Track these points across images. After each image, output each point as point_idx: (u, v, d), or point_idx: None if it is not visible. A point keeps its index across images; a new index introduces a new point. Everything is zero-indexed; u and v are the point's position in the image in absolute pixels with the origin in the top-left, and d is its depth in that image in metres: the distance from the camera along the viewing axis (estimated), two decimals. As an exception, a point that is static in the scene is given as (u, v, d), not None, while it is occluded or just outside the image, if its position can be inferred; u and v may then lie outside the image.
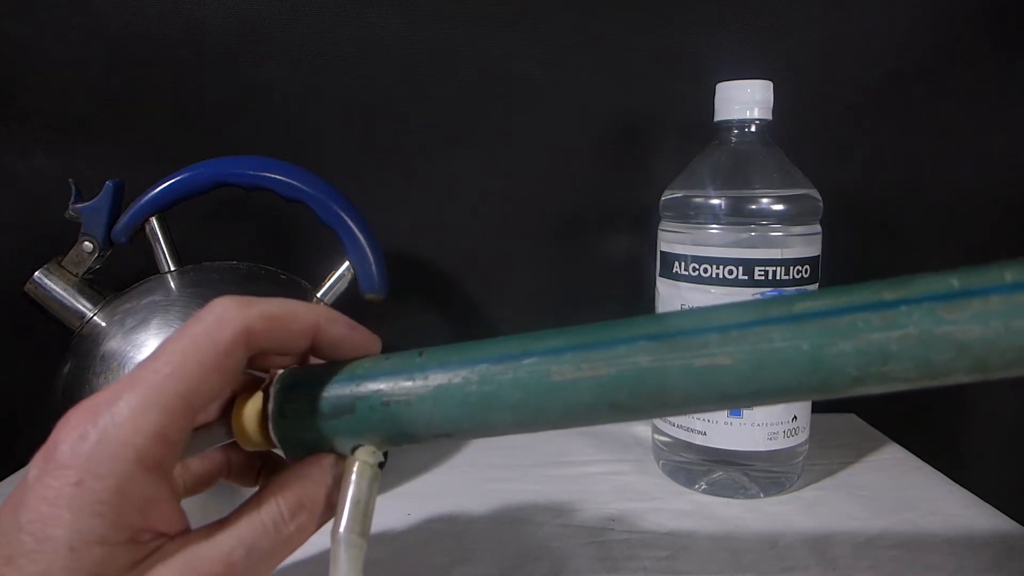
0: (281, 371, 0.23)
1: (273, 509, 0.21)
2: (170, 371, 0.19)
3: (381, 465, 0.22)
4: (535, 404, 0.20)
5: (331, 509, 0.22)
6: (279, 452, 0.23)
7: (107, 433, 0.18)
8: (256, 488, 0.23)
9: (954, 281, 0.17)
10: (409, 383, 0.21)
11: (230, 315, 0.20)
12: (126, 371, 0.34)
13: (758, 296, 0.36)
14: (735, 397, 0.19)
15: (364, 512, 0.21)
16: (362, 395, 0.21)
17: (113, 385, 0.19)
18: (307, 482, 0.22)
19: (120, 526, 0.18)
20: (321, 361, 0.24)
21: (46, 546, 0.17)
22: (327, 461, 0.22)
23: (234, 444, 0.23)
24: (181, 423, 0.19)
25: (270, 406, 0.22)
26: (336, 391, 0.22)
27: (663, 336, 0.19)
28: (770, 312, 0.19)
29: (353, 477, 0.21)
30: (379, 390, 0.21)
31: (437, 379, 0.21)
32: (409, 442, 0.22)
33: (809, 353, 0.18)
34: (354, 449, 0.22)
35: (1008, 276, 0.16)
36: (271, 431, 0.22)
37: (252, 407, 0.22)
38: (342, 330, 0.23)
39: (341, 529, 0.21)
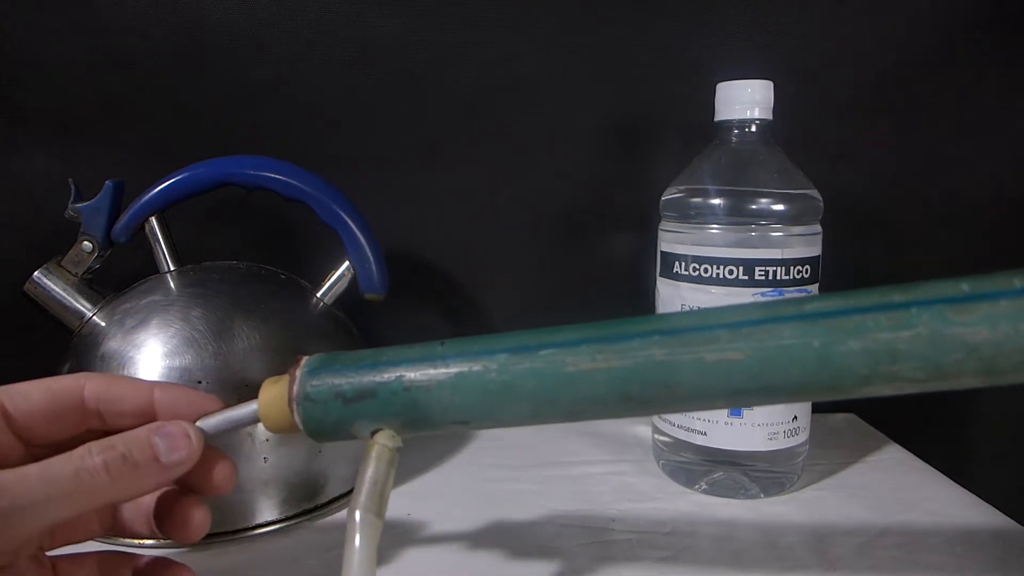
0: (307, 356, 0.24)
1: (83, 448, 0.21)
2: None
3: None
4: (550, 394, 0.21)
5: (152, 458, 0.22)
6: (300, 435, 0.24)
7: None
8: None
9: (964, 286, 0.17)
10: (431, 370, 0.22)
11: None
12: (126, 371, 0.34)
13: (758, 296, 0.37)
14: (744, 393, 0.19)
15: (381, 493, 0.22)
16: (384, 380, 0.22)
17: None
18: (126, 433, 0.22)
19: None
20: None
21: None
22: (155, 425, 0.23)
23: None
24: None
25: (295, 389, 0.23)
26: (360, 376, 0.22)
27: (676, 331, 0.20)
28: (781, 311, 0.19)
29: (372, 458, 0.22)
30: (401, 376, 0.22)
31: (457, 367, 0.22)
32: (426, 427, 0.23)
33: (819, 350, 0.18)
34: (374, 433, 0.23)
35: (1017, 282, 0.17)
36: (296, 413, 0.23)
37: (278, 390, 0.23)
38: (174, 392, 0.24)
39: (358, 507, 0.21)
